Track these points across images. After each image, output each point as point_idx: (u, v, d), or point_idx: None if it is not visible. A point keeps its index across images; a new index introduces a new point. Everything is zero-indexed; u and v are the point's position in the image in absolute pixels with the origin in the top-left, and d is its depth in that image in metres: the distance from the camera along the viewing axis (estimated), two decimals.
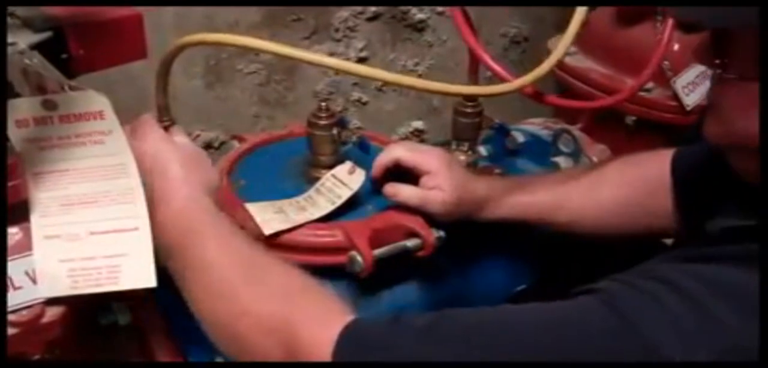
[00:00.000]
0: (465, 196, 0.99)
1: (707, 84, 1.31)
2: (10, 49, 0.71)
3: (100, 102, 0.72)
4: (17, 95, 0.78)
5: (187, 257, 0.76)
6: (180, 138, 0.85)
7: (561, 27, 1.63)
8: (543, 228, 1.04)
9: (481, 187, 1.02)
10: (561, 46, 0.93)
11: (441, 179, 0.98)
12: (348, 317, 0.69)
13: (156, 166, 0.78)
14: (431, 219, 0.97)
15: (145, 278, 0.76)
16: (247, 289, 0.74)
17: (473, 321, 0.66)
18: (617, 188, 1.01)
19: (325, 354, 0.66)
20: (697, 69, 1.34)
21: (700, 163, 0.90)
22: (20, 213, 0.75)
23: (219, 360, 0.93)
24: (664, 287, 0.60)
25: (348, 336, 0.67)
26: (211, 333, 0.76)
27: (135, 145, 0.78)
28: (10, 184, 0.72)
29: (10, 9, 0.78)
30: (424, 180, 0.99)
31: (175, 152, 0.80)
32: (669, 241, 1.02)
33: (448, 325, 0.66)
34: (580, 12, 0.89)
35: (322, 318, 0.70)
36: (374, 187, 1.02)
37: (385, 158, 1.01)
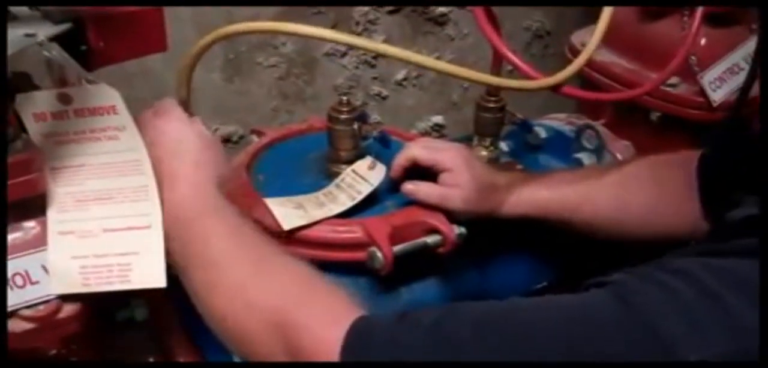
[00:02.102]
0: (485, 193, 0.98)
1: (735, 79, 1.30)
2: (29, 40, 0.71)
3: (112, 96, 0.72)
4: (36, 87, 0.78)
5: (189, 246, 0.76)
6: (200, 127, 0.85)
7: (584, 21, 1.62)
8: (564, 225, 1.03)
9: (502, 183, 1.01)
10: (591, 43, 0.91)
11: (460, 176, 0.97)
12: (354, 315, 0.68)
13: (173, 147, 0.79)
14: (452, 215, 0.96)
15: (156, 278, 0.75)
16: (253, 283, 0.73)
17: (481, 316, 0.64)
18: (642, 189, 1.00)
19: (332, 354, 0.65)
20: (725, 64, 1.32)
21: (726, 166, 0.89)
22: (38, 207, 0.75)
23: (236, 359, 0.93)
24: (680, 280, 0.58)
25: (355, 335, 0.66)
26: (213, 325, 0.75)
27: (156, 122, 0.80)
28: (28, 177, 0.72)
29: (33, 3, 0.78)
30: (443, 177, 0.98)
31: (195, 139, 0.82)
32: None
33: (455, 321, 0.64)
34: (608, 11, 0.87)
35: (328, 318, 0.69)
36: (394, 185, 1.01)
37: (402, 158, 1.00)
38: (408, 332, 0.65)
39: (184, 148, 0.80)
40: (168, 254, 0.76)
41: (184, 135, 0.81)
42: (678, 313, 0.56)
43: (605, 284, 0.63)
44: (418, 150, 1.00)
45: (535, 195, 1.02)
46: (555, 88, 0.97)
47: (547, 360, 0.59)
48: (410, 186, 0.98)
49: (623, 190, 1.00)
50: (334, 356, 0.65)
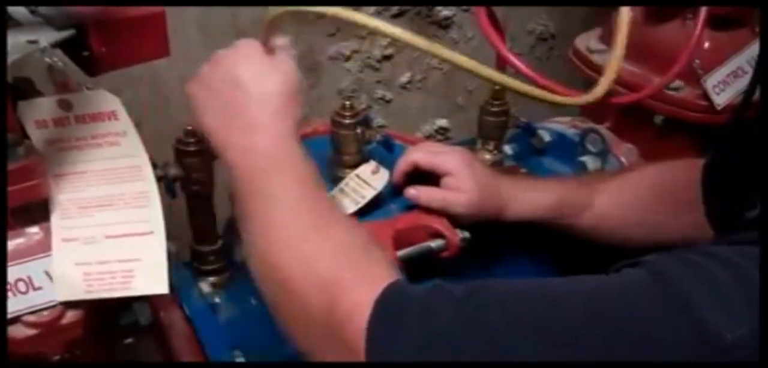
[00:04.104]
0: (487, 196, 0.98)
1: (738, 83, 1.30)
2: (31, 47, 0.71)
3: (112, 102, 0.72)
4: (38, 93, 0.78)
5: (254, 196, 0.76)
6: (285, 64, 0.83)
7: (588, 24, 1.62)
8: (568, 230, 1.02)
9: (505, 186, 1.00)
10: (614, 59, 0.88)
11: (462, 179, 0.97)
12: (392, 280, 0.67)
13: (252, 91, 0.78)
14: (456, 220, 0.96)
15: (158, 284, 0.76)
16: (310, 238, 0.73)
17: (513, 291, 0.63)
18: (646, 195, 0.99)
19: (363, 314, 0.65)
20: (728, 67, 1.31)
21: (733, 170, 0.88)
22: (41, 212, 0.75)
23: (239, 359, 0.93)
24: (714, 262, 0.57)
25: (387, 299, 0.65)
26: (261, 272, 0.75)
27: (236, 60, 0.80)
28: (30, 183, 0.72)
29: (32, 6, 0.78)
30: (445, 181, 0.97)
31: (277, 84, 0.80)
32: None
33: (488, 294, 0.63)
34: (625, 14, 0.85)
35: (368, 280, 0.68)
36: (397, 189, 1.01)
37: (403, 163, 1.00)
38: (440, 300, 0.64)
39: (266, 94, 0.79)
40: (232, 195, 0.76)
41: (266, 78, 0.80)
42: (714, 294, 0.55)
43: (639, 265, 0.62)
44: (419, 154, 1.00)
45: (540, 200, 1.01)
46: (591, 105, 0.96)
47: (580, 334, 0.58)
48: (412, 191, 0.98)
49: (627, 196, 1.00)
50: (365, 316, 0.64)
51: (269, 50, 0.83)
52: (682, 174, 0.97)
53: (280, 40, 0.84)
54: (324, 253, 0.72)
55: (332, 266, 0.70)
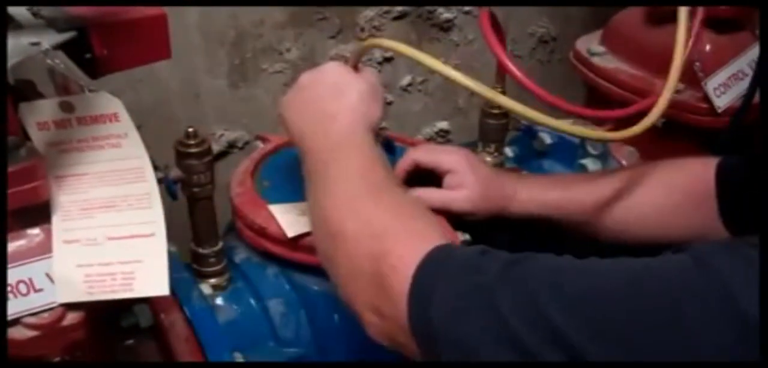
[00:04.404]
0: (491, 191, 0.98)
1: (739, 85, 1.30)
2: (33, 49, 0.71)
3: (113, 104, 0.72)
4: (40, 95, 0.78)
5: (327, 162, 0.81)
6: (366, 71, 0.93)
7: (589, 27, 1.62)
8: (572, 227, 1.02)
9: (509, 182, 1.01)
10: (669, 82, 0.87)
11: (464, 176, 0.97)
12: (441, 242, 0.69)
13: (334, 90, 0.87)
14: (458, 220, 0.96)
15: (159, 286, 0.76)
16: (365, 195, 0.78)
17: (556, 262, 0.63)
18: (651, 192, 0.98)
19: (408, 268, 0.67)
20: (729, 70, 1.32)
21: (745, 174, 0.88)
22: (42, 214, 0.75)
23: (239, 360, 0.93)
24: (756, 252, 0.56)
25: (434, 253, 0.67)
26: (317, 226, 0.81)
27: (321, 68, 0.91)
28: (31, 185, 0.72)
29: (35, 8, 0.78)
30: (447, 179, 0.98)
31: (357, 83, 0.88)
32: None
33: (532, 262, 0.63)
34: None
35: (416, 239, 0.71)
36: None
37: (404, 163, 1.01)
38: (485, 260, 0.65)
39: (345, 93, 0.87)
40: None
41: (346, 81, 0.88)
42: (755, 284, 0.54)
43: (680, 251, 0.61)
44: (420, 153, 1.00)
45: (544, 195, 1.01)
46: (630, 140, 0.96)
47: (618, 308, 0.57)
48: (413, 193, 0.97)
49: (636, 193, 0.99)
50: (411, 267, 0.66)
51: (355, 70, 0.93)
52: (695, 172, 0.96)
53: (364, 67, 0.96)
54: (378, 208, 0.76)
55: (384, 218, 0.74)
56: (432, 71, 0.86)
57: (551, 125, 0.84)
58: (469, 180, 0.97)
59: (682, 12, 0.84)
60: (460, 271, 0.65)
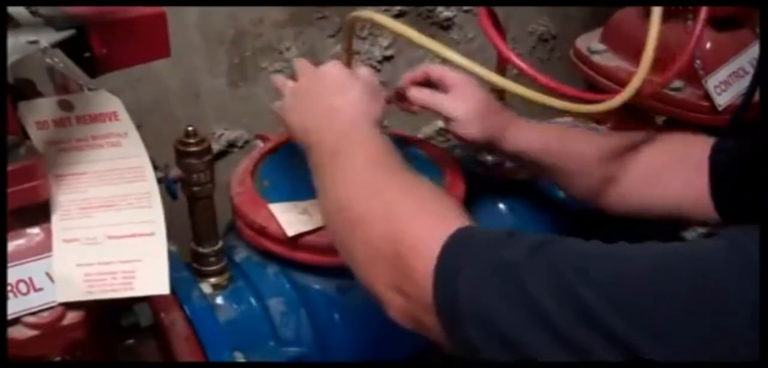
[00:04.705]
0: (489, 111, 1.01)
1: (740, 83, 1.29)
2: (32, 47, 0.71)
3: (113, 103, 0.72)
4: (39, 94, 0.78)
5: (337, 151, 0.82)
6: (363, 71, 0.96)
7: (589, 25, 1.62)
8: (561, 175, 1.03)
9: (508, 114, 1.04)
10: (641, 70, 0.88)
11: (466, 90, 1.01)
12: (463, 224, 0.69)
13: (335, 87, 0.90)
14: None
15: (159, 285, 0.76)
16: (378, 178, 0.78)
17: (586, 246, 0.62)
18: (658, 155, 0.98)
19: (431, 248, 0.66)
20: (730, 68, 1.31)
21: (739, 157, 0.88)
22: (42, 214, 0.75)
23: (239, 359, 0.93)
24: None
25: (460, 234, 0.67)
26: (332, 212, 0.81)
27: (321, 67, 0.94)
28: (31, 184, 0.72)
29: (33, 7, 0.78)
30: (450, 93, 1.02)
31: (357, 80, 0.92)
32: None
33: (561, 245, 0.63)
34: (656, 14, 0.84)
35: (437, 221, 0.70)
36: (399, 100, 1.06)
37: (414, 73, 1.05)
38: (513, 241, 0.65)
39: (346, 89, 0.90)
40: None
41: (346, 79, 0.91)
42: None
43: (712, 237, 0.60)
44: (430, 65, 1.05)
45: (540, 133, 1.03)
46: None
47: (649, 287, 0.56)
48: (415, 91, 1.03)
49: (637, 152, 0.99)
50: (433, 247, 0.66)
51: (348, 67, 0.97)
52: (694, 145, 0.96)
53: (358, 65, 1.01)
54: (393, 190, 0.76)
55: (400, 200, 0.75)
56: (413, 44, 0.91)
57: (540, 101, 0.87)
58: (470, 94, 1.00)
59: (656, 12, 0.85)
60: (487, 251, 0.65)
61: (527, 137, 1.03)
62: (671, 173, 0.96)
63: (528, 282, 0.60)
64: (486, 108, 1.01)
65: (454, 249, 0.66)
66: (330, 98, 0.89)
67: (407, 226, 0.71)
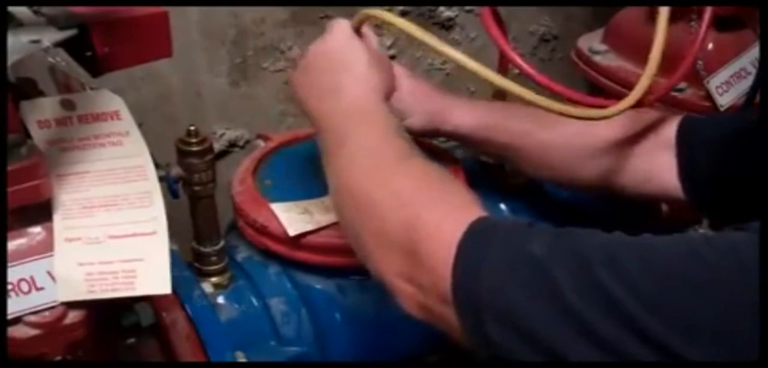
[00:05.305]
0: (425, 97, 1.01)
1: (741, 84, 1.29)
2: (34, 47, 0.71)
3: (115, 102, 0.72)
4: (41, 93, 0.78)
5: (346, 135, 0.81)
6: (370, 38, 0.94)
7: (591, 25, 1.62)
8: (511, 154, 1.02)
9: (449, 96, 1.03)
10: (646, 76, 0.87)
11: (400, 79, 1.00)
12: (481, 214, 0.68)
13: (339, 63, 0.88)
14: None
15: (161, 284, 0.76)
16: (389, 165, 0.77)
17: (608, 236, 0.61)
18: (620, 129, 0.94)
19: (449, 237, 0.64)
20: (732, 68, 1.31)
21: (711, 134, 0.88)
22: (43, 213, 0.75)
23: (241, 358, 0.93)
24: None
25: (480, 223, 0.66)
26: (342, 198, 0.79)
27: (325, 38, 0.91)
28: (32, 183, 0.72)
29: (35, 6, 0.78)
30: None
31: (362, 52, 0.89)
32: None
33: (583, 234, 0.61)
34: (664, 15, 0.83)
35: (454, 210, 0.69)
36: None
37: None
38: (534, 231, 0.64)
39: (351, 64, 0.87)
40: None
41: (351, 52, 0.89)
42: None
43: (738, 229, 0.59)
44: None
45: (486, 112, 1.02)
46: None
47: (678, 281, 0.55)
48: None
49: (596, 126, 0.94)
50: (452, 240, 0.64)
51: (358, 33, 0.93)
52: (660, 123, 0.94)
53: (366, 28, 0.96)
54: (405, 177, 0.75)
55: (413, 186, 0.73)
56: (415, 40, 0.88)
57: (543, 105, 0.84)
58: (404, 82, 0.99)
59: (663, 13, 0.84)
60: (510, 243, 0.63)
61: (471, 117, 1.01)
62: (641, 156, 0.94)
63: (555, 274, 0.59)
64: (422, 90, 1.00)
65: (475, 240, 0.64)
66: (334, 76, 0.87)
67: (423, 213, 0.69)
